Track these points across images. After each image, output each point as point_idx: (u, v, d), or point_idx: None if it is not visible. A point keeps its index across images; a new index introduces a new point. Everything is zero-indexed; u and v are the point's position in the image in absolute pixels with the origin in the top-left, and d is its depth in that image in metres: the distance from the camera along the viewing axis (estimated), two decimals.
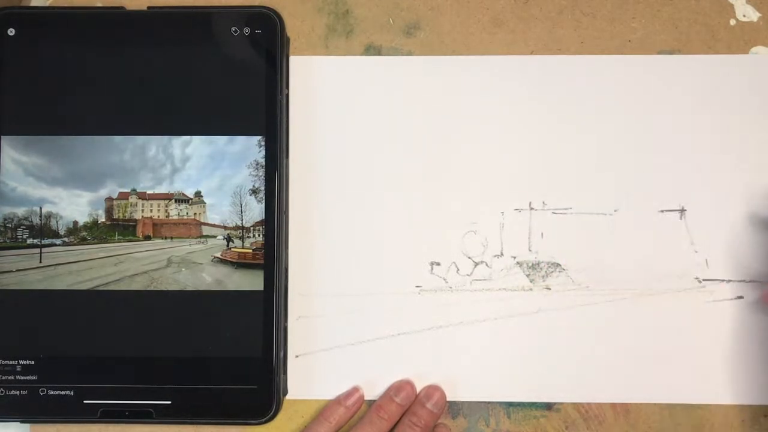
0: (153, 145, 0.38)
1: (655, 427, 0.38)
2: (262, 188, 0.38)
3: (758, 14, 0.40)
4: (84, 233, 0.38)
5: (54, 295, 0.37)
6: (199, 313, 0.37)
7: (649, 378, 0.38)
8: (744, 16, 0.40)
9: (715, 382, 0.38)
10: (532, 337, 0.38)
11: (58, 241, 0.38)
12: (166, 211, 0.38)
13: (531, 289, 0.39)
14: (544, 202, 0.39)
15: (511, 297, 0.39)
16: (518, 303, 0.39)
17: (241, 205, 0.38)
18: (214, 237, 0.38)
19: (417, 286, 0.39)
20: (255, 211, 0.38)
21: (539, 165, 0.39)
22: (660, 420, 0.38)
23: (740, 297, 0.38)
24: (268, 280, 0.37)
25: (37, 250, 0.38)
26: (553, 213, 0.39)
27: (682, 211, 0.39)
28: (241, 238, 0.38)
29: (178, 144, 0.38)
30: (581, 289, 0.39)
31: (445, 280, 0.39)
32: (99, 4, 0.41)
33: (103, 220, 0.38)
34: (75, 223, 0.38)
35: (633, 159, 0.39)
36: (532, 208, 0.39)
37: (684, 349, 0.38)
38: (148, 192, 0.38)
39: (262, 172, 0.38)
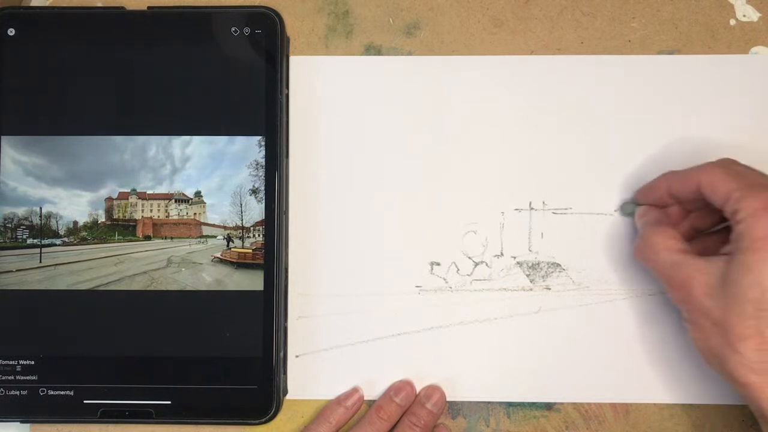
0: (153, 145, 0.38)
1: (655, 427, 0.38)
2: (262, 188, 0.38)
3: (758, 14, 0.40)
4: (84, 233, 0.38)
5: (54, 295, 0.37)
6: (199, 313, 0.37)
7: (649, 378, 0.38)
8: (744, 16, 0.40)
9: (716, 382, 0.38)
10: (532, 337, 0.38)
11: (58, 241, 0.38)
12: (166, 211, 0.38)
13: (531, 289, 0.39)
14: (544, 202, 0.39)
15: (511, 297, 0.39)
16: (518, 303, 0.39)
17: (241, 205, 0.38)
18: (214, 237, 0.38)
19: (417, 286, 0.39)
20: (255, 211, 0.38)
21: (539, 165, 0.39)
22: (660, 420, 0.38)
23: None
24: (268, 280, 0.37)
25: (37, 250, 0.38)
26: (553, 213, 0.39)
27: None
28: (241, 238, 0.38)
29: (178, 144, 0.38)
30: (581, 289, 0.39)
31: (445, 280, 0.39)
32: (99, 4, 0.41)
33: (103, 220, 0.38)
34: (75, 223, 0.38)
35: (633, 159, 0.39)
36: (532, 208, 0.39)
37: (684, 349, 0.38)
38: (148, 192, 0.38)
39: (262, 172, 0.38)
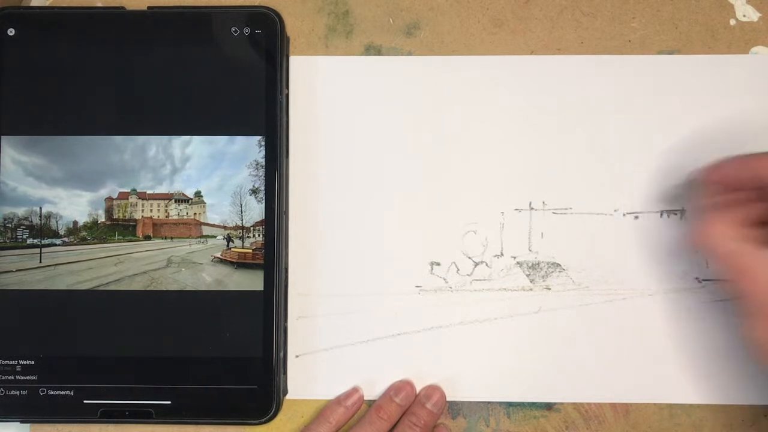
0: (153, 145, 0.38)
1: (655, 427, 0.38)
2: (262, 188, 0.38)
3: (758, 14, 0.40)
4: (84, 233, 0.38)
5: (54, 295, 0.37)
6: (199, 313, 0.37)
7: (649, 378, 0.38)
8: (744, 16, 0.40)
9: (715, 382, 0.38)
10: (532, 337, 0.38)
11: (58, 241, 0.38)
12: (166, 211, 0.38)
13: (531, 289, 0.39)
14: (544, 202, 0.39)
15: (512, 297, 0.39)
16: (518, 303, 0.39)
17: (241, 205, 0.38)
18: (214, 237, 0.38)
19: (417, 286, 0.39)
20: (255, 211, 0.38)
21: (539, 165, 0.39)
22: (660, 420, 0.38)
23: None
24: (268, 280, 0.37)
25: (37, 250, 0.38)
26: (553, 213, 0.39)
27: (682, 211, 0.39)
28: (241, 238, 0.38)
29: (178, 144, 0.38)
30: (581, 289, 0.39)
31: (445, 280, 0.39)
32: (99, 4, 0.41)
33: (103, 220, 0.38)
34: (75, 223, 0.38)
35: (633, 159, 0.39)
36: (532, 208, 0.39)
37: (684, 348, 0.38)
38: (148, 192, 0.38)
39: (262, 172, 0.38)
